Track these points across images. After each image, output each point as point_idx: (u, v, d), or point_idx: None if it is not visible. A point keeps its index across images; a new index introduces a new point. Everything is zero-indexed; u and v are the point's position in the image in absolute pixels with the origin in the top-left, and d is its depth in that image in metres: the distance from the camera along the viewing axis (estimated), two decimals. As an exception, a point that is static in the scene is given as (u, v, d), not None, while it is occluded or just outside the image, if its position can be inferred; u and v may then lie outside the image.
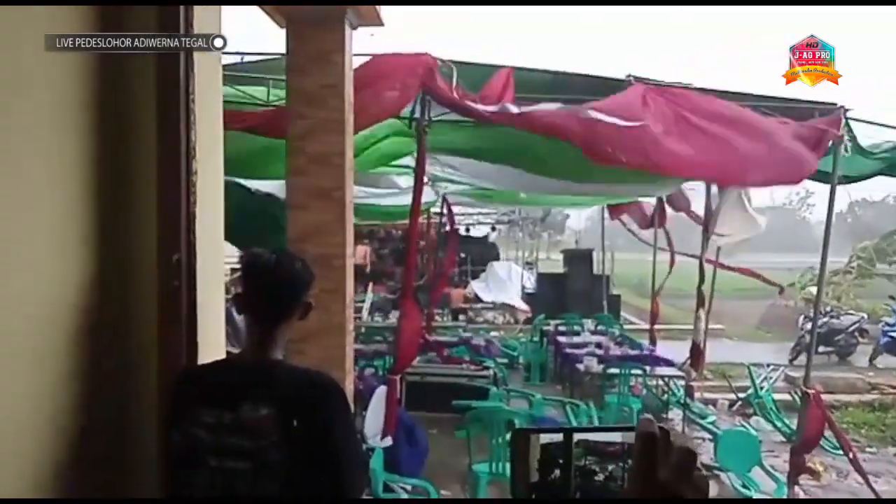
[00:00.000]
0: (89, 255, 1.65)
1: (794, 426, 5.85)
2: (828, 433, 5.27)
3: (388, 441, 4.40)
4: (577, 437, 0.73)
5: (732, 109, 4.47)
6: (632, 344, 8.90)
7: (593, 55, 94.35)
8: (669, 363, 7.95)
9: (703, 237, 7.27)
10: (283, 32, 3.96)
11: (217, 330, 2.04)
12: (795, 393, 7.45)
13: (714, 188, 7.13)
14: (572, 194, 8.40)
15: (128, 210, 1.76)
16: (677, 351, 8.46)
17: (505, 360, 9.33)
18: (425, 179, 5.55)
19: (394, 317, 11.30)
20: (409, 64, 4.12)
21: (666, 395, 8.20)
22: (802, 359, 9.57)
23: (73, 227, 1.61)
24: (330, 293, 3.74)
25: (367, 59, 4.24)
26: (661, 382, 8.29)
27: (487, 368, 7.84)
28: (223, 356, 2.02)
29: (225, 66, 2.53)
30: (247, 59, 4.98)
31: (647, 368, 7.60)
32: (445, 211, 10.08)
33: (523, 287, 16.41)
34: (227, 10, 2.08)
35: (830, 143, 4.67)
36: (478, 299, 15.74)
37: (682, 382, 7.84)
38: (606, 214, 10.85)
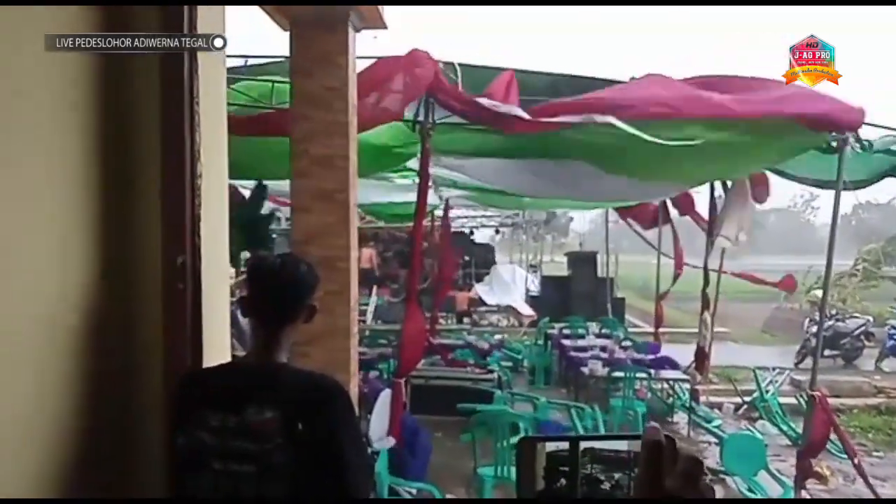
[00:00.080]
0: (93, 256, 1.64)
1: (800, 430, 5.81)
2: (834, 437, 5.23)
3: (391, 441, 4.39)
4: (583, 445, 0.72)
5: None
6: (637, 347, 8.87)
7: (592, 55, 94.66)
8: (675, 365, 7.93)
9: (707, 240, 7.27)
10: (286, 36, 3.97)
11: (222, 333, 2.03)
12: (801, 397, 7.40)
13: (719, 190, 7.13)
14: (583, 199, 8.36)
15: (131, 212, 1.76)
16: (682, 354, 8.43)
17: (509, 363, 9.31)
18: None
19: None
20: (410, 65, 4.12)
21: (671, 399, 8.17)
22: (808, 362, 9.55)
23: (75, 228, 1.60)
24: (334, 296, 3.73)
25: (370, 61, 4.25)
26: (665, 386, 8.26)
27: (492, 371, 7.82)
28: (228, 359, 2.01)
29: (229, 70, 2.53)
30: (251, 61, 4.99)
31: (652, 371, 7.58)
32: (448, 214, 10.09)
33: (527, 290, 16.36)
34: (231, 15, 2.08)
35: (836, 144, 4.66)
36: (482, 302, 15.71)
37: (688, 386, 7.81)
38: (611, 217, 10.83)
